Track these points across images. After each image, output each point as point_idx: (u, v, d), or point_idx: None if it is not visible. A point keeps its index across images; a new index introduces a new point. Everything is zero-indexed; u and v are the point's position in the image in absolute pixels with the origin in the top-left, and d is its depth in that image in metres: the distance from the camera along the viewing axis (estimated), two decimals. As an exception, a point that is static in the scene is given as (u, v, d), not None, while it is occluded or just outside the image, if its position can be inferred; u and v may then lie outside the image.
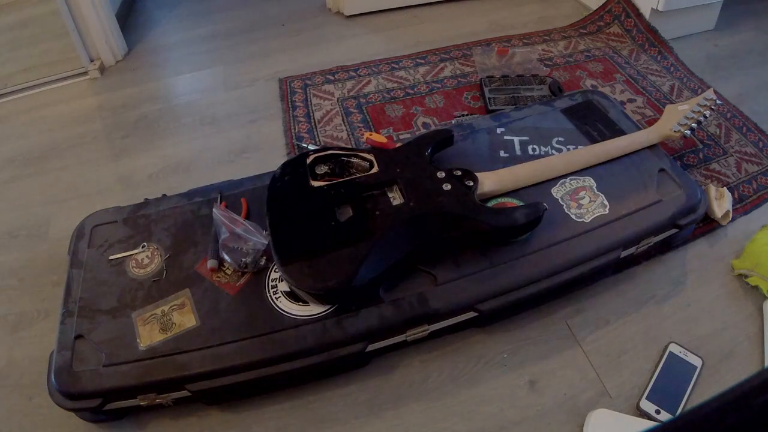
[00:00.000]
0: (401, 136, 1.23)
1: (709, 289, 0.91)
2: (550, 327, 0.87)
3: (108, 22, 1.54)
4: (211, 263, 0.85)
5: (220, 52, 1.62)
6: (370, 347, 0.79)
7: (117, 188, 1.19)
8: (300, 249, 0.78)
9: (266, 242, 0.85)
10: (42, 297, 0.97)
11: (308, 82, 1.44)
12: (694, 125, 1.00)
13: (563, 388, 0.80)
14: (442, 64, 1.47)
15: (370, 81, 1.42)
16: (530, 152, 1.01)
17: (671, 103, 1.18)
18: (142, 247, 0.90)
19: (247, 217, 0.93)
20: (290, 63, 1.53)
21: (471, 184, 0.86)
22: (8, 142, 1.35)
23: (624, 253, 0.88)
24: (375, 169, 0.90)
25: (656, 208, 0.89)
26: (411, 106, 1.32)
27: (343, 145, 1.23)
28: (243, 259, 0.83)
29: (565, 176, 0.95)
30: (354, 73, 1.46)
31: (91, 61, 1.55)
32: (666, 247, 0.97)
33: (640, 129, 1.03)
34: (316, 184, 0.88)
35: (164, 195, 1.00)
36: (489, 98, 1.29)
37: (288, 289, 0.81)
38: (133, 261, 0.88)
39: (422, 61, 1.48)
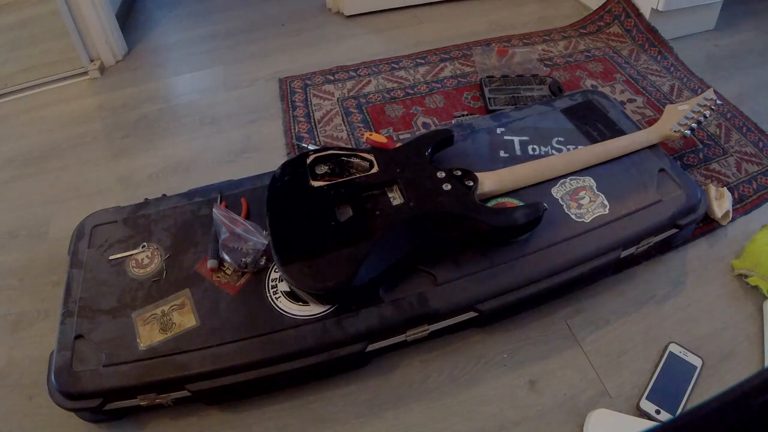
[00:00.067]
0: (401, 136, 1.23)
1: (709, 289, 0.91)
2: (550, 327, 0.87)
3: (108, 22, 1.54)
4: (211, 263, 0.85)
5: (220, 52, 1.62)
6: (370, 347, 0.79)
7: (117, 188, 1.19)
8: (300, 249, 0.78)
9: (266, 242, 0.85)
10: (42, 297, 0.97)
11: (308, 82, 1.44)
12: (694, 125, 1.00)
13: (563, 388, 0.80)
14: (442, 64, 1.47)
15: (370, 81, 1.42)
16: (530, 152, 1.01)
17: (671, 103, 1.18)
18: (142, 247, 0.90)
19: (247, 217, 0.93)
20: (290, 63, 1.53)
21: (471, 184, 0.86)
22: (8, 142, 1.35)
23: (624, 253, 0.88)
24: (375, 169, 0.90)
25: (656, 208, 0.89)
26: (411, 106, 1.32)
27: (343, 145, 1.23)
28: (243, 259, 0.83)
29: (565, 176, 0.95)
30: (354, 73, 1.46)
31: (91, 61, 1.55)
32: (666, 247, 0.97)
33: (640, 129, 1.03)
34: (316, 184, 0.88)
35: (164, 195, 1.00)
36: (489, 98, 1.29)
37: (288, 289, 0.81)
38: (133, 261, 0.88)
39: (422, 61, 1.48)
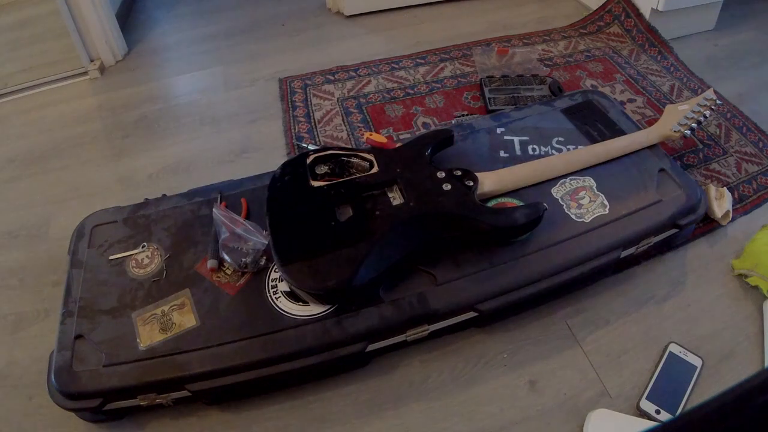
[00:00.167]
0: (401, 136, 1.23)
1: (709, 289, 0.91)
2: (550, 327, 0.87)
3: (108, 22, 1.54)
4: (211, 263, 0.85)
5: (220, 52, 1.62)
6: (370, 347, 0.79)
7: (117, 188, 1.19)
8: (300, 249, 0.78)
9: (266, 242, 0.85)
10: (42, 297, 0.97)
11: (308, 82, 1.44)
12: (694, 125, 1.00)
13: (563, 388, 0.80)
14: (442, 64, 1.47)
15: (370, 81, 1.42)
16: (530, 152, 1.01)
17: (671, 103, 1.18)
18: (142, 247, 0.90)
19: (247, 217, 0.93)
20: (290, 63, 1.53)
21: (471, 184, 0.86)
22: (8, 142, 1.35)
23: (624, 253, 0.88)
24: (375, 169, 0.90)
25: (656, 208, 0.89)
26: (411, 106, 1.32)
27: (343, 145, 1.23)
28: (243, 259, 0.83)
29: (565, 176, 0.95)
30: (354, 73, 1.46)
31: (91, 61, 1.55)
32: (666, 247, 0.97)
33: (640, 129, 1.03)
34: (316, 184, 0.88)
35: (164, 195, 1.00)
36: (489, 98, 1.29)
37: (288, 289, 0.81)
38: (133, 261, 0.88)
39: (422, 61, 1.48)
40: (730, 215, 1.00)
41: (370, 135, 1.10)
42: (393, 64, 1.48)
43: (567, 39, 1.54)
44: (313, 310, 0.79)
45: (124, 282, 0.85)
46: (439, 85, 1.39)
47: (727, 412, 0.30)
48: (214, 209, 0.89)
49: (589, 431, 0.73)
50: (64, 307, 0.82)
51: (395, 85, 1.40)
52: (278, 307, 0.80)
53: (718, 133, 1.20)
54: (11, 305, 0.97)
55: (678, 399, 0.77)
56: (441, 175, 0.88)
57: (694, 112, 1.01)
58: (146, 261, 0.88)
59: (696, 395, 0.78)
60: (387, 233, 0.79)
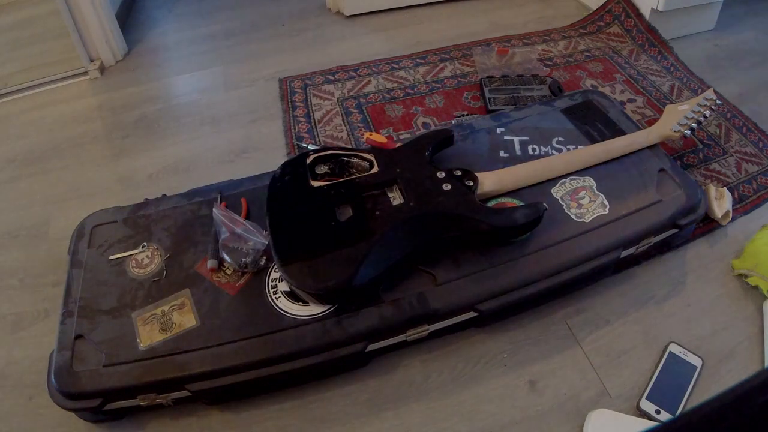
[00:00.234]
0: (401, 136, 1.23)
1: (709, 289, 0.91)
2: (550, 327, 0.87)
3: (108, 22, 1.54)
4: (211, 263, 0.85)
5: (220, 52, 1.62)
6: (370, 347, 0.79)
7: (117, 188, 1.19)
8: (300, 249, 0.78)
9: (266, 242, 0.85)
10: (42, 297, 0.97)
11: (308, 82, 1.44)
12: (694, 125, 1.00)
13: (563, 388, 0.80)
14: (442, 64, 1.47)
15: (370, 81, 1.42)
16: (530, 152, 1.01)
17: (671, 103, 1.18)
18: (142, 247, 0.90)
19: (247, 217, 0.93)
20: (290, 63, 1.53)
21: (471, 184, 0.87)
22: (8, 142, 1.35)
23: (624, 253, 0.88)
24: (375, 169, 0.90)
25: (656, 208, 0.89)
26: (411, 106, 1.32)
27: (343, 145, 1.23)
28: (243, 259, 0.83)
29: (565, 176, 0.95)
30: (354, 73, 1.46)
31: (91, 61, 1.55)
32: (666, 247, 0.97)
33: (640, 129, 1.03)
34: (316, 184, 0.88)
35: (164, 195, 1.00)
36: (489, 98, 1.29)
37: (288, 289, 0.81)
38: (133, 261, 0.88)
39: (422, 61, 1.48)
40: (730, 215, 1.00)
41: (370, 135, 1.10)
42: (393, 64, 1.48)
43: (567, 39, 1.54)
44: (313, 310, 0.79)
45: (124, 282, 0.85)
46: (439, 85, 1.39)
47: (727, 412, 0.30)
48: (214, 209, 0.89)
49: (589, 431, 0.74)
50: (64, 307, 0.82)
51: (395, 85, 1.40)
52: (278, 307, 0.80)
53: (718, 133, 1.20)
54: (11, 305, 0.97)
55: (678, 399, 0.77)
56: (441, 175, 0.88)
57: (694, 112, 1.01)
58: (146, 261, 0.88)
59: (696, 395, 0.78)
60: (387, 233, 0.79)
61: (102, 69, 1.56)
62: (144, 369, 0.74)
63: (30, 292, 0.99)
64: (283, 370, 0.75)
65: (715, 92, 1.07)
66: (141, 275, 0.86)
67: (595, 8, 1.63)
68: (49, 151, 1.30)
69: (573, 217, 0.89)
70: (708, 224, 1.01)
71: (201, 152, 1.26)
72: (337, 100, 1.36)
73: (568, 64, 1.43)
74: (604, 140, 1.00)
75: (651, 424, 0.70)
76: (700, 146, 1.16)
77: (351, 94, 1.38)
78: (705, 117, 1.01)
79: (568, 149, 1.00)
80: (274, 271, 0.84)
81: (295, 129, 1.28)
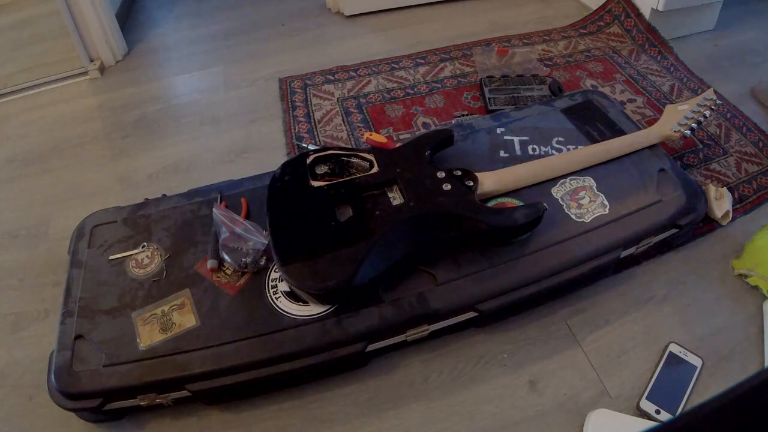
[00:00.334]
0: (401, 136, 1.23)
1: (709, 289, 0.91)
2: (550, 327, 0.87)
3: (108, 22, 1.54)
4: (211, 263, 0.85)
5: (220, 52, 1.62)
6: (370, 347, 0.79)
7: (117, 188, 1.19)
8: (300, 249, 0.78)
9: (266, 242, 0.85)
10: (42, 297, 0.97)
11: (308, 82, 1.44)
12: (694, 125, 1.00)
13: (563, 388, 0.80)
14: (442, 64, 1.47)
15: (370, 81, 1.42)
16: (530, 152, 1.01)
17: (671, 103, 1.18)
18: (142, 247, 0.90)
19: (247, 217, 0.93)
20: (290, 63, 1.53)
21: (471, 184, 0.87)
22: (8, 142, 1.35)
23: (624, 253, 0.88)
24: (375, 169, 0.90)
25: (656, 208, 0.89)
26: (411, 106, 1.32)
27: (343, 145, 1.23)
28: (243, 259, 0.83)
29: (565, 176, 0.95)
30: (354, 73, 1.46)
31: (91, 61, 1.55)
32: (666, 247, 0.97)
33: (640, 129, 1.03)
34: (316, 184, 0.88)
35: (164, 195, 1.00)
36: (489, 98, 1.29)
37: (288, 289, 0.81)
38: (133, 261, 0.88)
39: (422, 61, 1.48)
40: (730, 215, 1.00)
41: (370, 135, 1.10)
42: (393, 64, 1.48)
43: (567, 39, 1.54)
44: (313, 310, 0.79)
45: (124, 282, 0.85)
46: (439, 85, 1.39)
47: (727, 412, 0.30)
48: (214, 209, 0.89)
49: (589, 431, 0.74)
50: (64, 307, 0.82)
51: (395, 85, 1.40)
52: (278, 307, 0.80)
53: (718, 133, 1.20)
54: (11, 305, 0.97)
55: (678, 399, 0.77)
56: (441, 175, 0.88)
57: (694, 112, 1.01)
58: (146, 261, 0.88)
59: (696, 395, 0.78)
60: (387, 233, 0.79)
61: (102, 69, 1.56)
62: (144, 369, 0.74)
63: (30, 292, 0.99)
64: (283, 370, 0.75)
65: (715, 92, 1.07)
66: (141, 275, 0.86)
67: (595, 8, 1.63)
68: (49, 151, 1.30)
69: (573, 217, 0.89)
70: (708, 224, 1.01)
71: (201, 152, 1.26)
72: (337, 100, 1.36)
73: (568, 64, 1.43)
74: (604, 140, 1.00)
75: (651, 424, 0.70)
76: (700, 146, 1.16)
77: (351, 94, 1.38)
78: (705, 117, 1.01)
79: (568, 149, 1.00)
80: (274, 271, 0.84)
81: (295, 129, 1.28)
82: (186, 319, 0.79)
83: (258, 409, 0.80)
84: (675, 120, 1.01)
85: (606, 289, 0.92)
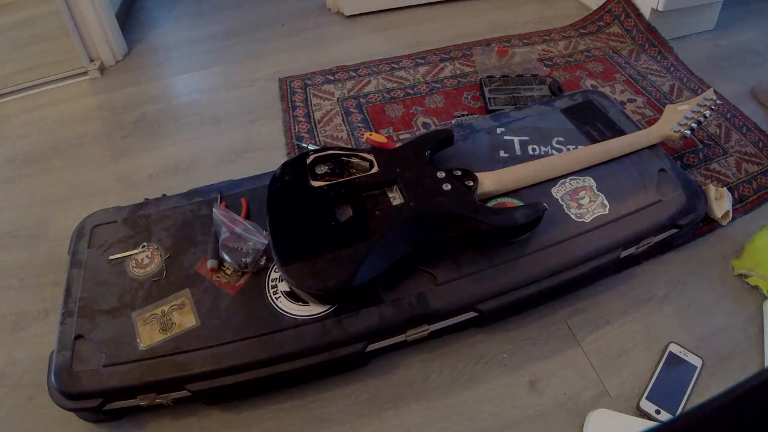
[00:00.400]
0: (401, 136, 1.23)
1: (709, 289, 0.91)
2: (550, 327, 0.87)
3: (108, 22, 1.54)
4: (211, 263, 0.85)
5: (220, 52, 1.62)
6: (370, 347, 0.79)
7: (117, 188, 1.19)
8: (300, 249, 0.78)
9: (266, 242, 0.85)
10: (42, 297, 0.97)
11: (308, 82, 1.44)
12: (694, 125, 1.00)
13: (563, 388, 0.80)
14: (442, 64, 1.47)
15: (370, 81, 1.42)
16: (530, 152, 1.01)
17: (671, 103, 1.18)
18: (142, 247, 0.90)
19: (247, 217, 0.93)
20: (290, 63, 1.53)
21: (471, 184, 0.87)
22: (8, 142, 1.35)
23: (624, 253, 0.88)
24: (375, 169, 0.90)
25: (656, 208, 0.89)
26: (411, 106, 1.32)
27: (343, 145, 1.23)
28: (243, 259, 0.83)
29: (565, 176, 0.95)
30: (354, 73, 1.46)
31: (91, 61, 1.55)
32: (666, 247, 0.97)
33: (640, 129, 1.03)
34: (316, 184, 0.88)
35: (164, 195, 1.00)
36: (489, 98, 1.29)
37: (288, 289, 0.81)
38: (133, 261, 0.88)
39: (422, 61, 1.48)
40: (730, 215, 1.00)
41: (370, 135, 1.10)
42: (393, 64, 1.48)
43: (567, 39, 1.54)
44: (313, 310, 0.79)
45: (124, 282, 0.85)
46: (439, 85, 1.39)
47: (727, 412, 0.30)
48: (214, 209, 0.89)
49: (589, 431, 0.74)
50: (64, 307, 0.82)
51: (395, 85, 1.40)
52: (278, 307, 0.80)
53: (718, 133, 1.20)
54: (11, 305, 0.97)
55: (678, 399, 0.77)
56: (441, 175, 0.88)
57: (694, 112, 1.01)
58: (146, 261, 0.88)
59: (696, 395, 0.78)
60: (387, 233, 0.79)
61: (102, 69, 1.56)
62: (144, 369, 0.74)
63: (30, 292, 0.99)
64: (283, 370, 0.75)
65: (715, 92, 1.07)
66: (141, 275, 0.86)
67: (595, 8, 1.63)
68: (49, 151, 1.30)
69: (573, 217, 0.89)
70: (708, 224, 1.01)
71: (201, 152, 1.26)
72: (337, 100, 1.36)
73: (568, 64, 1.43)
74: (604, 140, 1.00)
75: (651, 424, 0.70)
76: (700, 146, 1.16)
77: (351, 94, 1.38)
78: (705, 117, 1.01)
79: (568, 149, 1.00)
80: (274, 271, 0.84)
81: (295, 129, 1.28)
82: (186, 319, 0.79)
83: (258, 409, 0.80)
84: (675, 120, 1.01)
85: (606, 289, 0.92)
